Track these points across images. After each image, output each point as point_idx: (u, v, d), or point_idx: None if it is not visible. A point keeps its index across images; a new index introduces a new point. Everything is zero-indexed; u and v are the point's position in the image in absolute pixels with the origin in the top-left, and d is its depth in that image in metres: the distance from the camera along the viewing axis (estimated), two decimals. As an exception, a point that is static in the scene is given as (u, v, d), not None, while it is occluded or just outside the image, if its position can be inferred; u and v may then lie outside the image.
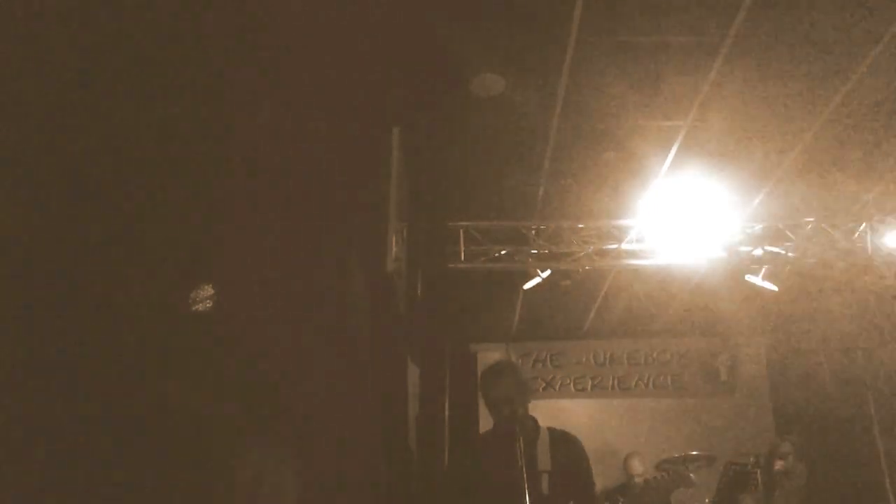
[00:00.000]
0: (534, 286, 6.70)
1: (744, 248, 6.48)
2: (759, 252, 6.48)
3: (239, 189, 1.71)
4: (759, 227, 6.44)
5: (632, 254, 6.52)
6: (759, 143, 5.25)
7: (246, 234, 1.74)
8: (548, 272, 6.57)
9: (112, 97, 1.12)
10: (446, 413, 5.74)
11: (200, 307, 1.41)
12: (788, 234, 6.48)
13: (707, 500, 5.97)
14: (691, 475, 5.82)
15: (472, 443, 4.55)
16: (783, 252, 6.50)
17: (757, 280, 6.61)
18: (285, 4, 2.21)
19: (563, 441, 3.49)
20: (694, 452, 6.62)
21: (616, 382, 8.51)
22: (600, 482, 7.52)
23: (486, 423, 3.67)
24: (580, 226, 6.44)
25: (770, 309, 7.55)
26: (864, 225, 6.44)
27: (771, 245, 6.49)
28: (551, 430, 3.48)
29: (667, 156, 5.39)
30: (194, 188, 1.44)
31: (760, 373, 8.52)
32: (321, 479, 2.43)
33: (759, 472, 3.61)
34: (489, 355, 7.93)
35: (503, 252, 6.49)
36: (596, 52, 4.30)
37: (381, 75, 3.84)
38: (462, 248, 6.38)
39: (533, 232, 6.45)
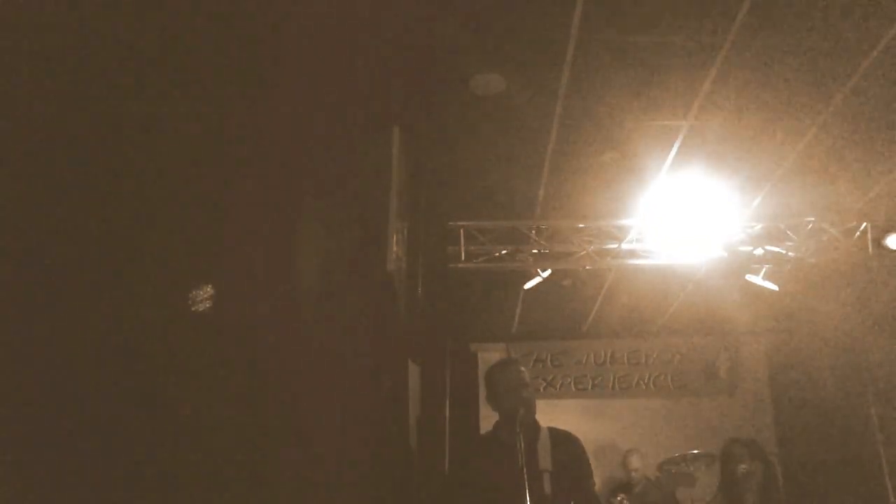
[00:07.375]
0: (534, 286, 6.71)
1: (744, 248, 6.48)
2: (759, 252, 6.49)
3: (240, 189, 1.71)
4: (759, 227, 6.44)
5: (632, 254, 6.53)
6: (759, 143, 5.25)
7: (247, 234, 1.74)
8: (548, 272, 6.58)
9: (115, 97, 1.12)
10: (446, 413, 5.73)
11: (200, 307, 1.41)
12: (788, 233, 6.48)
13: (706, 500, 5.98)
14: (694, 474, 5.85)
15: (472, 443, 4.55)
16: (783, 252, 6.51)
17: (757, 280, 6.61)
18: (286, 4, 2.22)
19: (564, 441, 3.50)
20: (694, 451, 6.63)
21: (616, 382, 8.51)
22: (600, 481, 7.54)
23: (486, 423, 3.69)
24: (580, 226, 6.45)
25: (770, 309, 7.55)
26: (864, 225, 6.44)
27: (771, 245, 6.49)
28: (552, 430, 3.49)
29: (667, 156, 5.39)
30: (195, 188, 1.44)
31: (760, 373, 8.53)
32: (321, 479, 2.44)
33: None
34: (489, 355, 7.93)
35: (503, 252, 6.49)
36: (596, 52, 4.30)
37: (382, 75, 3.84)
38: (462, 248, 6.38)
39: (533, 232, 6.45)
